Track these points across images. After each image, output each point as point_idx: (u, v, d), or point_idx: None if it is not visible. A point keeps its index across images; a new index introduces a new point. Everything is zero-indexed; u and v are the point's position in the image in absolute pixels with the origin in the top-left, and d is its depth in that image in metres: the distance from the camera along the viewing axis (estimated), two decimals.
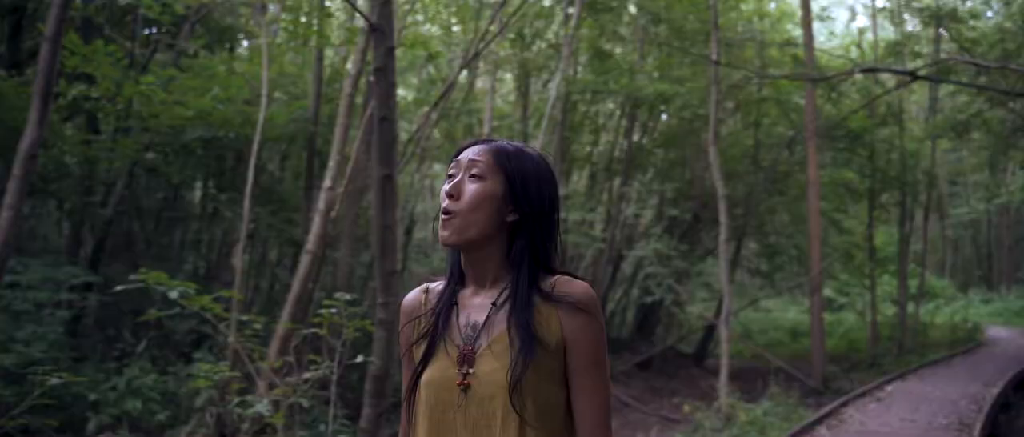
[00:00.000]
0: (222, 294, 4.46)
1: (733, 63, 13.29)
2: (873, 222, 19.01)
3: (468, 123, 16.75)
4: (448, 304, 1.76)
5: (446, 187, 1.71)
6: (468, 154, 1.74)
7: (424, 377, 1.73)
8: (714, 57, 11.66)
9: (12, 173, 6.64)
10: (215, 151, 10.32)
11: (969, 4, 17.13)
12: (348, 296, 4.19)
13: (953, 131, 15.94)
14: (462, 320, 1.74)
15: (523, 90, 17.81)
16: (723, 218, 11.75)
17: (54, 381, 4.56)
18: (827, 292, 23.35)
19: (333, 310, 4.05)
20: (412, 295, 1.86)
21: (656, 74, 16.04)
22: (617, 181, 18.10)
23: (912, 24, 18.54)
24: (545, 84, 19.40)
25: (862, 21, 19.74)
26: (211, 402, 8.32)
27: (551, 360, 1.68)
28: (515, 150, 1.78)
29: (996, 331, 21.11)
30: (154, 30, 10.85)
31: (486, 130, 13.91)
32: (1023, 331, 21.46)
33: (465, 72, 14.88)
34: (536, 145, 15.39)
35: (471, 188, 1.69)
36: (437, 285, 1.84)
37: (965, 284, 27.69)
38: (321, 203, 7.83)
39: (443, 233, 1.69)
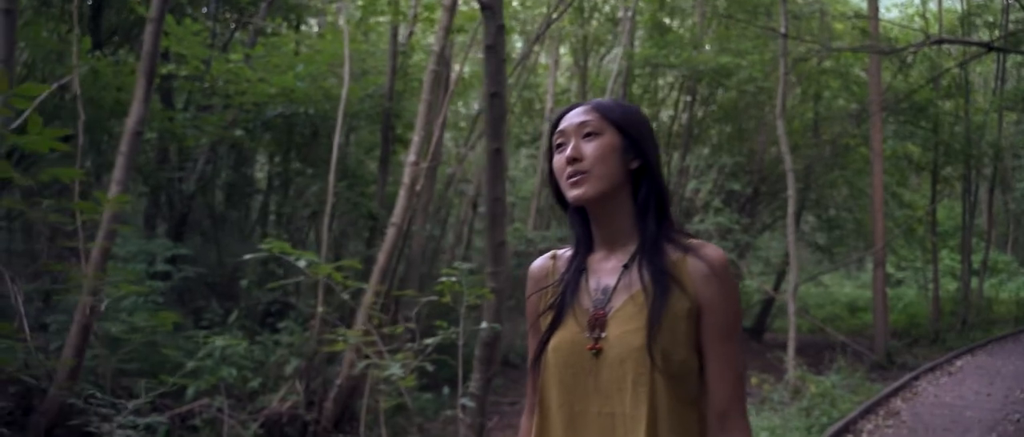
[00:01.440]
0: (343, 264, 4.65)
1: (799, 36, 13.17)
2: (936, 196, 18.77)
3: (528, 98, 16.83)
4: (577, 269, 1.76)
5: (565, 153, 1.68)
6: (573, 118, 1.73)
7: (552, 343, 1.71)
8: (783, 29, 11.59)
9: (119, 150, 6.94)
10: (296, 127, 10.57)
11: None
12: (467, 265, 4.38)
13: (1022, 102, 15.67)
14: (592, 284, 1.73)
15: (581, 65, 17.85)
16: (792, 191, 11.74)
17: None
18: (886, 267, 23.14)
19: (453, 278, 4.22)
20: (540, 262, 1.88)
21: (717, 47, 15.95)
22: (676, 155, 18.10)
23: None
24: (602, 59, 19.41)
25: None
26: (298, 371, 8.64)
27: (685, 322, 1.65)
28: (614, 103, 1.78)
29: None
30: (229, 8, 11.13)
31: (549, 105, 13.98)
32: None
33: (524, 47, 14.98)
34: None
35: (591, 146, 1.68)
36: (565, 252, 1.85)
37: None
38: (405, 177, 8.01)
39: (578, 191, 1.66)
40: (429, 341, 4.29)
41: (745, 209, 19.01)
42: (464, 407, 4.29)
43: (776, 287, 18.59)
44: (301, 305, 9.45)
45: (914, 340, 17.57)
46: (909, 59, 13.24)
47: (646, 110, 18.49)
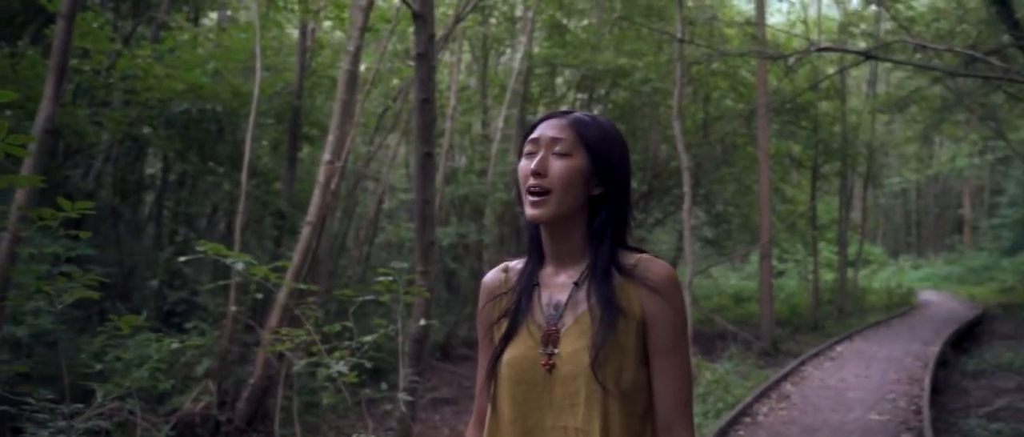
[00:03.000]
0: (279, 265, 4.73)
1: (693, 40, 13.77)
2: (815, 192, 19.89)
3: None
4: (529, 283, 1.75)
5: (531, 164, 1.67)
6: (547, 131, 1.70)
7: (506, 357, 1.71)
8: (679, 34, 12.12)
9: (27, 149, 6.76)
10: (202, 124, 10.41)
11: None
12: (404, 265, 4.54)
13: (894, 106, 16.82)
14: (544, 299, 1.73)
15: (482, 63, 18.10)
16: (687, 188, 12.27)
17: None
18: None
19: (390, 277, 4.37)
20: (492, 275, 1.85)
21: (614, 48, 16.46)
22: None
23: (854, 2, 19.31)
24: (501, 57, 19.71)
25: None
26: (210, 371, 8.56)
27: (633, 339, 1.66)
28: (593, 122, 1.74)
29: (926, 295, 22.38)
30: (130, 1, 10.84)
31: (451, 103, 14.15)
32: (951, 294, 22.82)
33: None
34: (499, 119, 15.78)
35: (559, 164, 1.66)
36: (516, 264, 1.84)
37: (895, 251, 29.14)
38: (321, 176, 8.07)
39: (536, 211, 1.66)
40: (367, 339, 4.43)
41: (639, 205, 19.71)
42: (400, 403, 4.46)
43: None
44: (211, 304, 9.35)
45: (796, 328, 18.58)
46: (792, 63, 13.98)
47: (542, 109, 18.95)
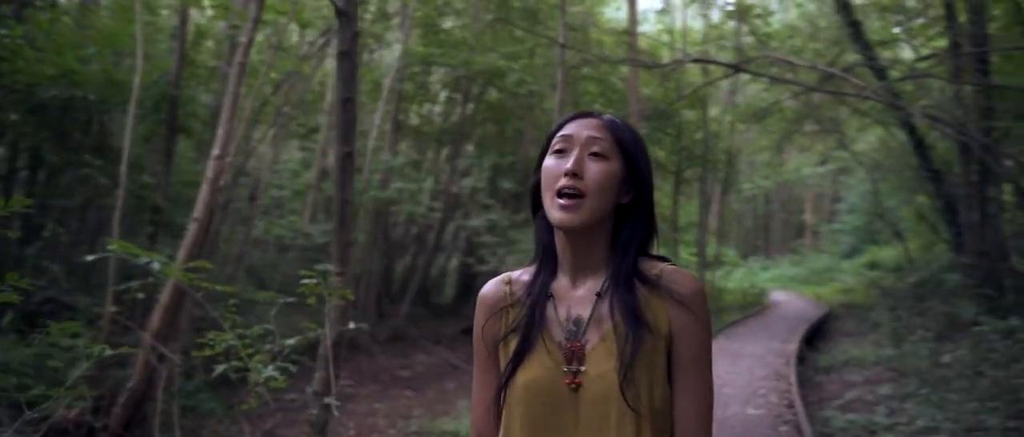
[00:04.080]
0: (199, 265, 4.53)
1: (573, 45, 14.08)
2: (678, 196, 20.72)
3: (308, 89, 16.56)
4: (543, 296, 1.63)
5: (566, 164, 1.57)
6: (583, 130, 1.61)
7: (521, 378, 1.58)
8: (561, 40, 12.39)
9: None
10: (70, 113, 9.75)
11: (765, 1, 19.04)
12: (331, 268, 4.44)
13: (753, 117, 17.74)
14: (562, 314, 1.61)
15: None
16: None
17: None
18: None
19: (314, 280, 4.28)
20: (493, 287, 1.73)
21: (490, 49, 16.59)
22: (445, 152, 18.63)
23: (716, 16, 20.23)
24: (373, 54, 19.48)
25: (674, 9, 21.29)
26: (85, 376, 8.05)
27: (662, 355, 1.58)
28: (625, 126, 1.67)
29: (776, 295, 23.71)
30: None
31: (327, 99, 13.89)
32: (798, 294, 24.28)
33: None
34: (376, 115, 15.60)
35: (596, 167, 1.58)
36: (520, 275, 1.72)
37: (746, 253, 30.75)
38: (209, 171, 7.77)
39: (568, 216, 1.55)
40: (290, 341, 4.32)
41: (509, 204, 19.95)
42: (332, 406, 4.37)
43: None
44: (82, 304, 8.81)
45: None
46: (666, 72, 14.58)
47: (417, 106, 18.90)
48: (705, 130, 19.68)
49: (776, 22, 19.18)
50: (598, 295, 1.61)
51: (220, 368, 4.17)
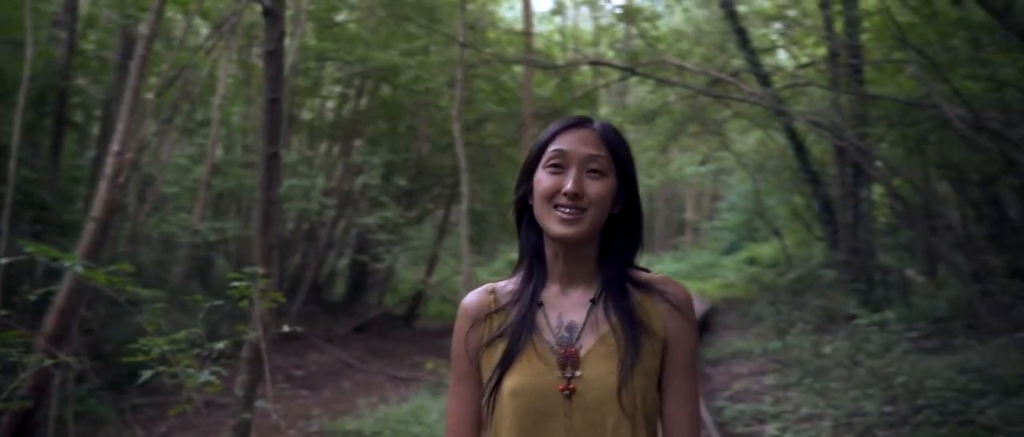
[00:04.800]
0: (120, 268, 4.40)
1: (473, 44, 14.18)
2: None
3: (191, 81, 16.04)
4: (533, 302, 1.63)
5: (566, 183, 1.56)
6: (581, 147, 1.60)
7: (509, 385, 1.56)
8: (461, 38, 12.48)
9: None
10: None
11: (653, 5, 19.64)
12: (261, 269, 4.40)
13: (642, 118, 18.26)
14: (553, 320, 1.61)
15: (246, 52, 17.41)
16: (466, 189, 12.66)
17: None
18: (513, 255, 25.41)
19: (245, 283, 4.24)
20: (475, 297, 1.71)
21: (385, 46, 16.51)
22: (337, 148, 18.44)
23: (605, 18, 20.75)
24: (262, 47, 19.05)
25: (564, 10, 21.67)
26: None
27: (656, 358, 1.59)
28: (618, 136, 1.67)
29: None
30: None
31: (219, 93, 13.52)
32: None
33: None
34: None
35: (596, 186, 1.58)
36: (504, 285, 1.71)
37: None
38: (108, 168, 7.50)
39: (569, 230, 1.56)
40: (219, 345, 4.27)
41: (401, 201, 19.89)
42: (270, 410, 4.35)
43: (428, 274, 19.69)
44: None
45: None
46: (559, 72, 14.90)
47: (311, 102, 18.61)
48: None
49: (663, 26, 19.81)
50: (592, 301, 1.61)
51: (146, 374, 4.09)
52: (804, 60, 14.25)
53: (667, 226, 33.24)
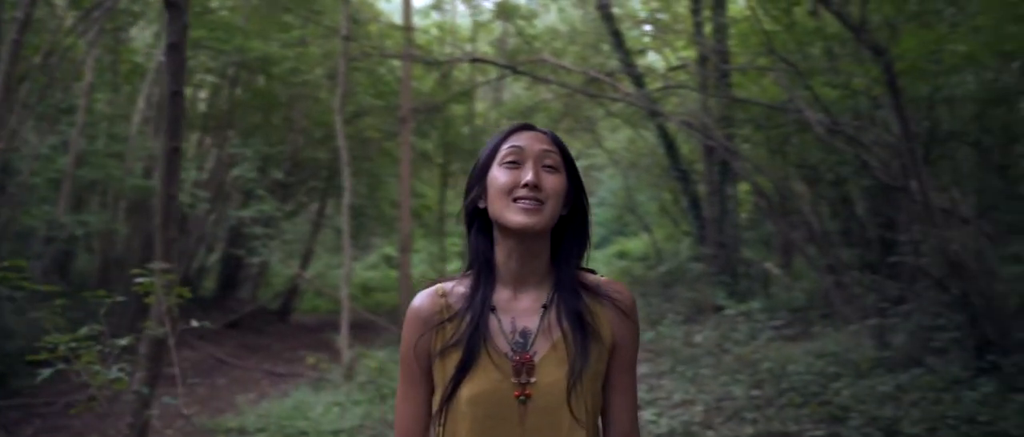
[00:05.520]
0: (12, 264, 4.25)
1: (356, 37, 14.11)
2: (445, 187, 21.31)
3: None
4: (485, 308, 1.64)
5: (526, 175, 1.59)
6: (535, 143, 1.65)
7: (466, 392, 1.58)
8: (344, 32, 12.43)
9: None
10: None
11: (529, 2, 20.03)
12: (165, 265, 4.36)
13: (521, 115, 18.63)
14: (506, 326, 1.63)
15: (115, 39, 16.67)
16: (347, 183, 12.62)
17: None
18: (388, 250, 25.49)
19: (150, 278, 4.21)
20: (428, 300, 1.70)
21: (262, 36, 16.20)
22: (209, 139, 17.94)
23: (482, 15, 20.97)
24: (129, 30, 18.29)
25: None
26: None
27: (603, 362, 1.64)
28: (563, 143, 1.73)
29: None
30: None
31: (87, 79, 12.96)
32: None
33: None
34: (140, 100, 14.72)
35: (552, 179, 1.62)
36: (454, 287, 1.71)
37: None
38: None
39: (531, 219, 1.58)
40: (121, 341, 4.22)
41: (276, 194, 19.54)
42: (181, 405, 4.31)
43: (302, 267, 19.46)
44: None
45: None
46: (440, 68, 15.03)
47: (189, 92, 18.00)
48: (471, 125, 20.39)
49: (539, 25, 20.22)
50: (544, 307, 1.64)
51: (45, 372, 4.02)
52: (675, 62, 14.89)
53: None
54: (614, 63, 14.77)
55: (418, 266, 25.37)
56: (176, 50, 4.81)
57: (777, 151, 11.64)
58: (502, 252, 1.66)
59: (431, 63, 13.80)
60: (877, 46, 7.56)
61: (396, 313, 18.28)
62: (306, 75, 15.73)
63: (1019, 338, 7.74)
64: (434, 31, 20.36)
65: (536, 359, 1.59)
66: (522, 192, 1.60)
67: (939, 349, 8.00)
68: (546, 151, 1.65)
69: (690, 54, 14.28)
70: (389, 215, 20.22)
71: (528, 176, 1.60)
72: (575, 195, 1.70)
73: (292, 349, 15.98)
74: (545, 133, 1.70)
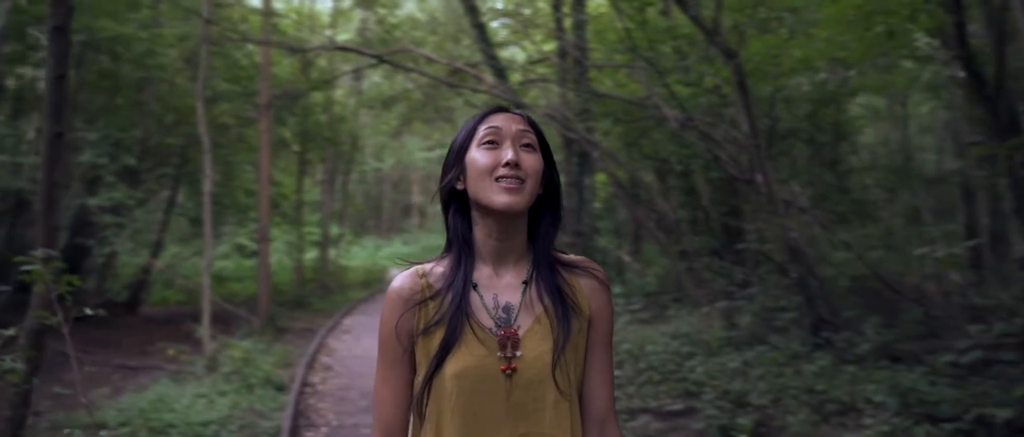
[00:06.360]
0: None
1: (217, 21, 13.78)
2: (303, 175, 21.03)
3: None
4: (466, 286, 1.66)
5: (506, 154, 1.62)
6: (512, 124, 1.67)
7: (451, 369, 1.59)
8: (206, 15, 12.15)
9: None
10: None
11: None
12: (53, 253, 4.29)
13: (383, 104, 18.69)
14: (489, 302, 1.65)
15: None
16: (209, 171, 12.36)
17: None
18: (242, 239, 24.89)
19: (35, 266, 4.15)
20: (408, 280, 1.71)
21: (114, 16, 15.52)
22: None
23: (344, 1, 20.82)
24: None
25: None
26: None
27: (583, 334, 1.68)
28: (536, 122, 1.75)
29: (394, 272, 25.05)
30: None
31: None
32: None
33: None
34: None
35: (530, 158, 1.65)
36: (433, 267, 1.73)
37: (361, 232, 31.86)
38: None
39: (514, 198, 1.60)
40: (8, 332, 4.15)
41: (126, 181, 18.69)
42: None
43: (154, 257, 18.79)
44: None
45: (281, 305, 19.46)
46: (309, 57, 14.88)
47: (28, 71, 16.95)
48: (330, 113, 20.22)
49: (400, 14, 20.27)
50: (525, 282, 1.67)
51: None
52: (536, 56, 15.32)
53: (394, 209, 33.91)
54: (474, 54, 15.05)
55: (275, 255, 24.96)
56: (60, 33, 4.72)
57: (633, 144, 12.26)
58: (482, 231, 1.68)
59: (296, 50, 13.62)
60: (729, 50, 8.20)
61: (253, 302, 17.97)
62: (161, 58, 15.18)
63: (848, 316, 8.63)
64: (293, 16, 20.03)
65: (521, 332, 1.62)
66: (503, 171, 1.61)
67: (780, 328, 8.78)
68: (523, 131, 1.67)
69: (550, 48, 14.71)
70: (243, 203, 19.78)
71: (508, 155, 1.62)
72: (549, 174, 1.73)
73: (144, 342, 15.45)
74: (519, 114, 1.73)
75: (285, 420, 7.21)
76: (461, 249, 1.69)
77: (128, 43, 14.83)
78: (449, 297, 1.63)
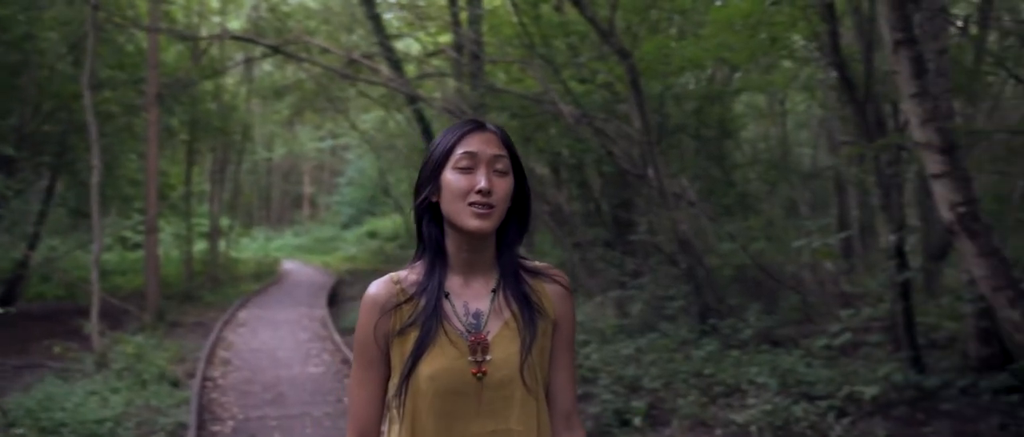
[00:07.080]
0: None
1: (104, 6, 13.32)
2: (191, 165, 20.51)
3: None
4: (441, 292, 1.75)
5: (479, 181, 1.68)
6: (487, 148, 1.73)
7: (426, 370, 1.69)
8: (93, 1, 11.77)
9: None
10: None
11: None
12: None
13: (275, 94, 18.41)
14: (459, 309, 1.75)
15: None
16: (96, 161, 12.00)
17: None
18: (127, 232, 24.09)
19: None
20: (384, 287, 1.78)
21: None
22: None
23: None
24: None
25: None
26: None
27: (548, 337, 1.77)
28: (510, 137, 1.81)
29: (286, 264, 24.67)
30: None
31: None
32: (305, 263, 25.54)
33: None
34: None
35: (502, 183, 1.72)
36: (406, 275, 1.80)
37: (250, 223, 31.18)
38: None
39: (484, 223, 1.68)
40: None
41: (1, 170, 17.81)
42: None
43: (31, 248, 18.01)
44: None
45: (170, 298, 18.97)
46: (204, 46, 14.53)
47: None
48: (219, 102, 19.79)
49: (291, 1, 19.98)
50: (494, 290, 1.77)
51: None
52: (432, 48, 15.42)
53: (284, 200, 33.31)
54: (369, 45, 15.01)
55: (162, 247, 24.22)
56: None
57: (529, 138, 12.54)
58: (453, 244, 1.77)
59: (188, 39, 13.32)
60: (623, 50, 8.56)
61: (140, 296, 17.47)
62: (41, 42, 14.57)
63: (732, 304, 9.16)
64: (182, 1, 19.48)
65: (490, 338, 1.71)
66: (476, 197, 1.68)
67: (670, 316, 9.23)
68: (497, 156, 1.73)
69: (446, 40, 14.82)
70: (127, 194, 19.17)
71: (482, 183, 1.68)
72: (518, 188, 1.80)
73: (24, 340, 14.83)
74: (495, 132, 1.78)
75: (191, 416, 7.16)
76: (435, 257, 1.78)
77: (5, 25, 14.17)
78: (423, 301, 1.73)
